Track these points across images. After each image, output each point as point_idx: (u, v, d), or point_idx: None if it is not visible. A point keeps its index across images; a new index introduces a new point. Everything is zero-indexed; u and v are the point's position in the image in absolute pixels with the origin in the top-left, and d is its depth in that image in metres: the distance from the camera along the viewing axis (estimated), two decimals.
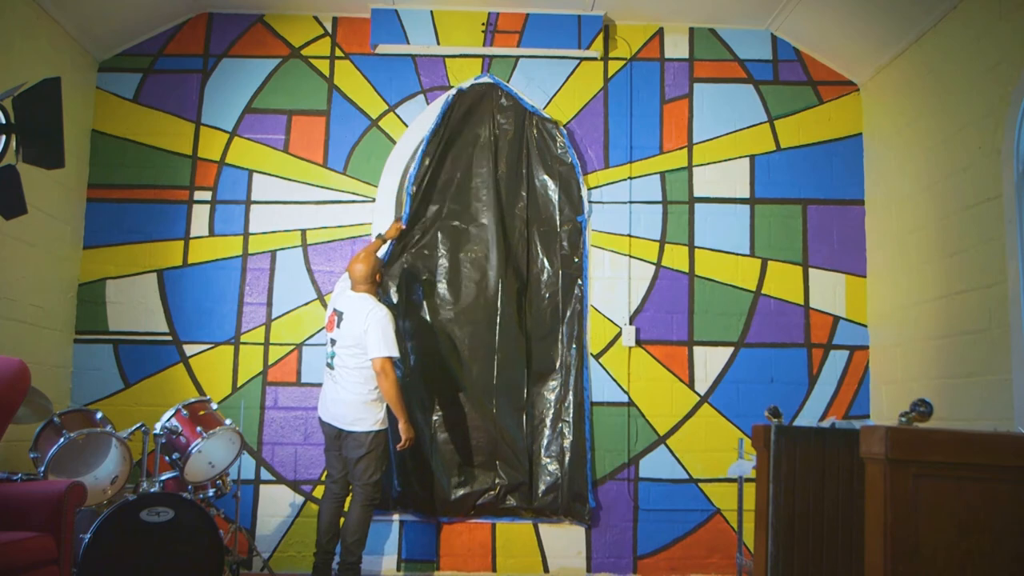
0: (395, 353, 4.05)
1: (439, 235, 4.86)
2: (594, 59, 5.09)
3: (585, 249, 4.89)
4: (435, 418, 4.71)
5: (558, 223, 4.89)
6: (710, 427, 4.83)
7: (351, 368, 4.08)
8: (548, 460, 4.70)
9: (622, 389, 4.83)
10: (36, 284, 4.44)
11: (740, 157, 5.05)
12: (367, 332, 4.02)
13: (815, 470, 2.87)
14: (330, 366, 4.16)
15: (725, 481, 4.70)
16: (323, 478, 4.72)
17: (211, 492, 4.05)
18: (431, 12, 4.97)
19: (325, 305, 4.85)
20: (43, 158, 3.18)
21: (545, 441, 4.73)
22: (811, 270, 4.97)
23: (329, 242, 4.93)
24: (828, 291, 4.95)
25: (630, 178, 5.01)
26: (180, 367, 4.79)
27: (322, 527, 4.16)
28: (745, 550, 4.37)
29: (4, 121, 3.92)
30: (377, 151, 5.00)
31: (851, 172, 5.04)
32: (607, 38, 5.11)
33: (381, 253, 4.54)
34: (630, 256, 4.95)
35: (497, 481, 4.66)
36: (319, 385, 4.77)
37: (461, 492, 4.62)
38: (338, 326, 4.14)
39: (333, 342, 4.16)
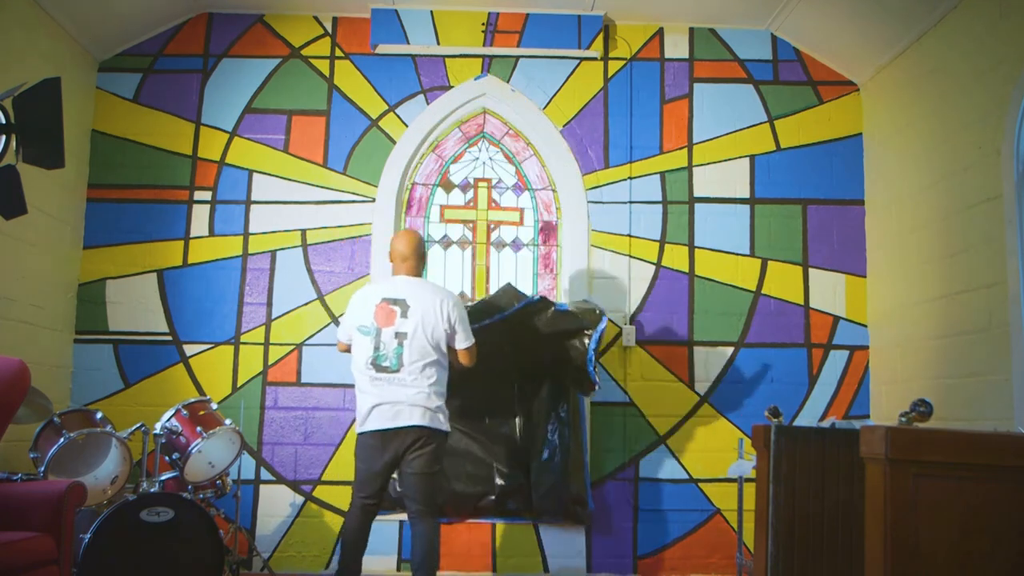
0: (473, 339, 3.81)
1: None
2: (594, 59, 5.09)
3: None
4: None
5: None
6: (710, 427, 4.83)
7: (426, 362, 3.60)
8: (545, 464, 4.65)
9: (622, 389, 4.83)
10: (36, 284, 4.44)
11: (740, 157, 5.05)
12: (455, 323, 3.68)
13: (815, 470, 2.87)
14: (389, 368, 3.58)
15: (725, 481, 4.70)
16: (322, 477, 4.72)
17: (211, 492, 4.05)
18: (431, 12, 4.98)
19: (326, 305, 4.85)
20: (43, 158, 3.18)
21: (542, 445, 4.69)
22: (811, 270, 4.97)
23: (329, 242, 4.93)
24: (828, 291, 4.95)
25: (630, 178, 5.01)
26: (180, 367, 4.79)
27: (352, 543, 3.63)
28: (745, 550, 4.37)
29: (4, 121, 3.93)
30: (377, 151, 5.00)
31: (851, 172, 5.04)
32: (607, 38, 5.11)
33: None
34: (630, 256, 4.95)
35: (498, 483, 4.64)
36: (319, 385, 4.79)
37: (460, 495, 4.60)
38: (404, 316, 3.61)
39: (399, 336, 3.59)
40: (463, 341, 3.74)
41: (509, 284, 4.55)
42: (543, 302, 4.39)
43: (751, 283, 4.95)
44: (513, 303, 4.37)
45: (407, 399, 3.56)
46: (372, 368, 3.60)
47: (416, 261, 3.78)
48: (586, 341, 4.35)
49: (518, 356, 4.53)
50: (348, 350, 3.79)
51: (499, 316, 4.31)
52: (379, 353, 3.60)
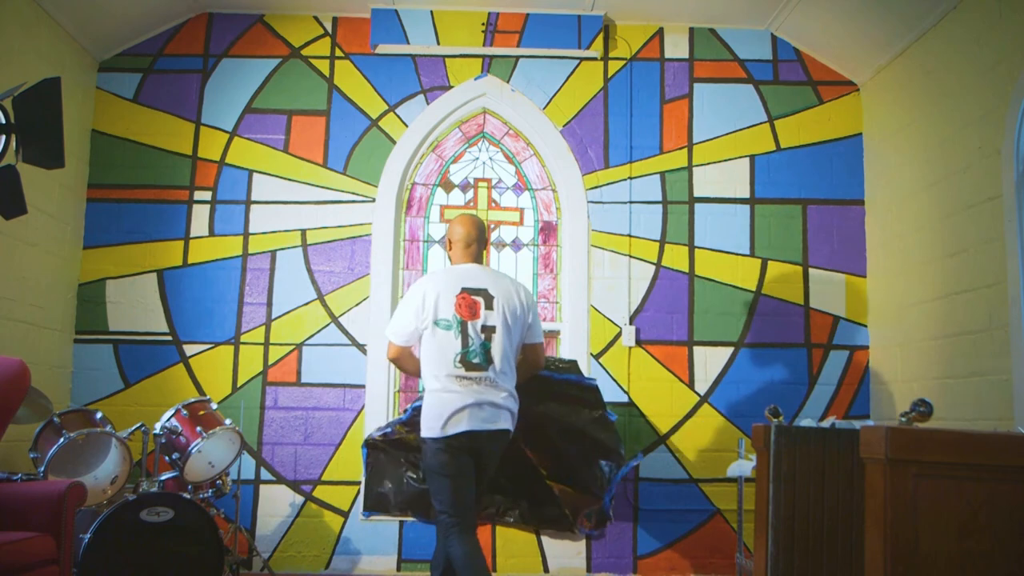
0: None
1: None
2: (594, 59, 5.09)
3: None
4: None
5: None
6: (710, 427, 4.83)
7: (511, 360, 3.36)
8: (550, 497, 4.34)
9: (622, 389, 4.83)
10: (36, 284, 4.44)
11: (740, 157, 5.05)
12: (533, 316, 3.45)
13: (815, 470, 2.87)
14: (479, 365, 3.28)
15: (725, 481, 4.70)
16: (322, 477, 4.72)
17: (211, 492, 4.04)
18: (431, 12, 4.98)
19: (326, 305, 4.85)
20: (43, 158, 3.18)
21: (541, 459, 4.46)
22: (811, 270, 4.97)
23: (329, 242, 4.93)
24: (828, 291, 4.95)
25: (630, 178, 5.01)
26: (180, 367, 4.79)
27: (478, 570, 3.18)
28: (745, 550, 4.37)
29: (4, 121, 3.92)
30: (377, 151, 5.00)
31: (851, 172, 5.04)
32: (607, 38, 5.11)
33: None
34: (630, 256, 4.95)
35: (497, 497, 4.52)
36: (319, 385, 4.79)
37: None
38: (489, 308, 3.32)
39: (487, 331, 3.30)
40: (539, 335, 3.49)
41: (576, 362, 4.18)
42: (595, 393, 4.05)
43: (751, 283, 4.95)
44: (567, 374, 4.03)
45: (501, 401, 3.28)
46: (461, 366, 3.26)
47: (480, 246, 3.50)
48: (609, 471, 4.02)
49: (539, 428, 4.00)
50: (399, 355, 3.48)
51: (546, 371, 3.87)
52: (469, 349, 3.28)
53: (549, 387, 3.94)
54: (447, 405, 3.24)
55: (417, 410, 3.63)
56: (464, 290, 3.34)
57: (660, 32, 5.14)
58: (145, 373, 4.78)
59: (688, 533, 4.75)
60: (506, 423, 3.32)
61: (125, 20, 4.84)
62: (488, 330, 3.30)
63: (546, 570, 4.69)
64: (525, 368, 3.53)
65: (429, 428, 3.28)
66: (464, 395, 3.24)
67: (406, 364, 3.53)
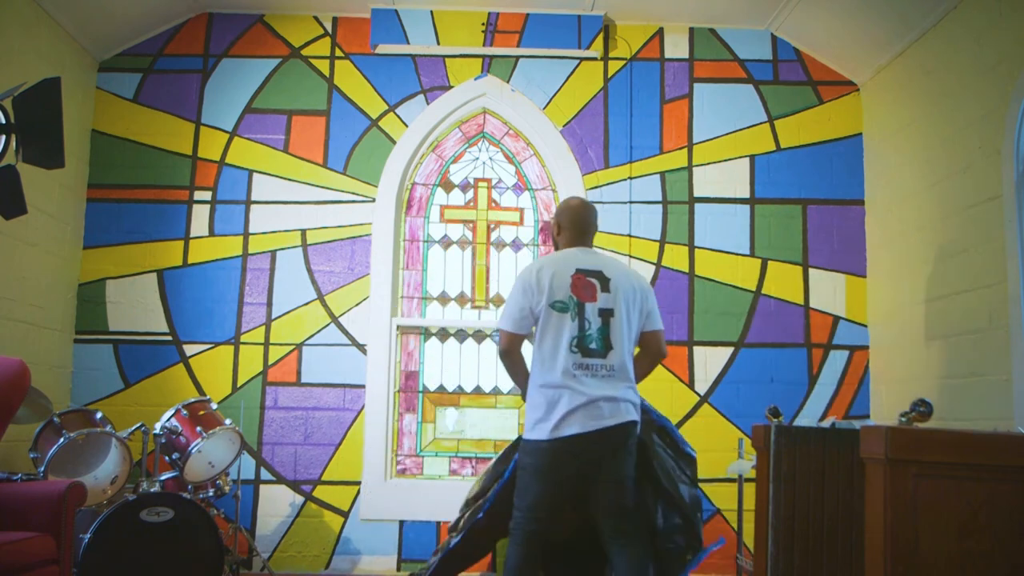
0: None
1: None
2: (594, 59, 5.09)
3: None
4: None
5: None
6: (710, 427, 4.82)
7: (630, 348, 3.08)
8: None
9: None
10: (36, 284, 4.44)
11: (740, 157, 5.05)
12: (648, 295, 3.15)
13: (815, 470, 2.87)
14: (596, 352, 2.99)
15: (725, 481, 4.70)
16: (322, 477, 4.72)
17: (211, 492, 4.04)
18: (431, 12, 4.98)
19: (326, 305, 4.85)
20: (43, 158, 3.18)
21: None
22: (811, 270, 4.97)
23: (329, 242, 4.93)
24: (828, 291, 4.95)
25: (630, 178, 5.01)
26: (180, 367, 4.79)
27: None
28: (745, 550, 4.37)
29: (4, 121, 3.92)
30: (377, 151, 5.00)
31: (851, 172, 5.04)
32: (607, 38, 5.11)
33: None
34: (630, 256, 4.95)
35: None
36: (319, 385, 4.79)
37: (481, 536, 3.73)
38: (605, 291, 3.03)
39: (604, 314, 3.00)
40: (659, 321, 3.17)
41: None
42: (692, 464, 3.51)
43: (751, 283, 4.95)
44: (670, 424, 3.51)
45: (619, 394, 2.98)
46: (578, 352, 2.96)
47: (593, 235, 3.24)
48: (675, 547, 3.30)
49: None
50: (511, 346, 3.09)
51: (655, 413, 3.47)
52: (586, 333, 2.97)
53: (650, 427, 3.42)
54: (556, 404, 2.93)
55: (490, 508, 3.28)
56: (579, 271, 3.05)
57: (660, 32, 5.14)
58: (145, 373, 4.78)
59: None
60: (628, 415, 2.99)
61: (125, 20, 4.84)
62: (606, 314, 3.00)
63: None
64: (647, 359, 3.22)
65: (532, 429, 2.97)
66: (576, 394, 2.92)
67: (516, 363, 3.13)
